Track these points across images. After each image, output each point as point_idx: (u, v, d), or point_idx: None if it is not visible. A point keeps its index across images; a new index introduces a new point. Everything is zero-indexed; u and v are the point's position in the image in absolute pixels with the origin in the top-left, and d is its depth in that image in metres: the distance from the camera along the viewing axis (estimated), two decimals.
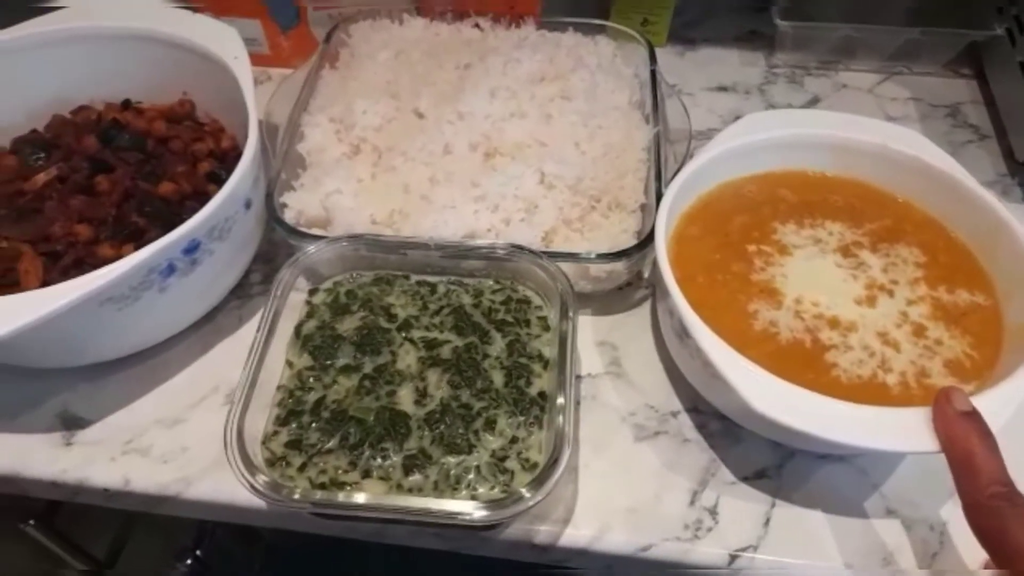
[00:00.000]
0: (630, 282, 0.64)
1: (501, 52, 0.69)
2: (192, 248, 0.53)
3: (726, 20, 0.91)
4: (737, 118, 0.78)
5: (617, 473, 0.55)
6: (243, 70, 0.61)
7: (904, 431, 0.46)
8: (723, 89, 0.83)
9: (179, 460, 0.55)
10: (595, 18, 0.78)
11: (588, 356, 0.61)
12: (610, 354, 0.62)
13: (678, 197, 0.58)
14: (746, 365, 0.47)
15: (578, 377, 0.60)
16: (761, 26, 0.90)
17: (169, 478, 0.54)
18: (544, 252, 0.56)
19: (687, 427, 0.58)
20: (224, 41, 0.63)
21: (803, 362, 0.52)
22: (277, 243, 0.68)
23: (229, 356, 0.61)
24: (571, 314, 0.53)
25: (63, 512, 0.71)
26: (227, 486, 0.53)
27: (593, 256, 0.57)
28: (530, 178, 0.60)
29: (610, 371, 0.61)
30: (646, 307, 0.65)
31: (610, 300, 0.64)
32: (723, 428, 0.57)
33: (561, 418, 0.47)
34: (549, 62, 0.68)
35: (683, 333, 0.52)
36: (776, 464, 0.56)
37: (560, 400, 0.49)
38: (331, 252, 0.57)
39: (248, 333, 0.63)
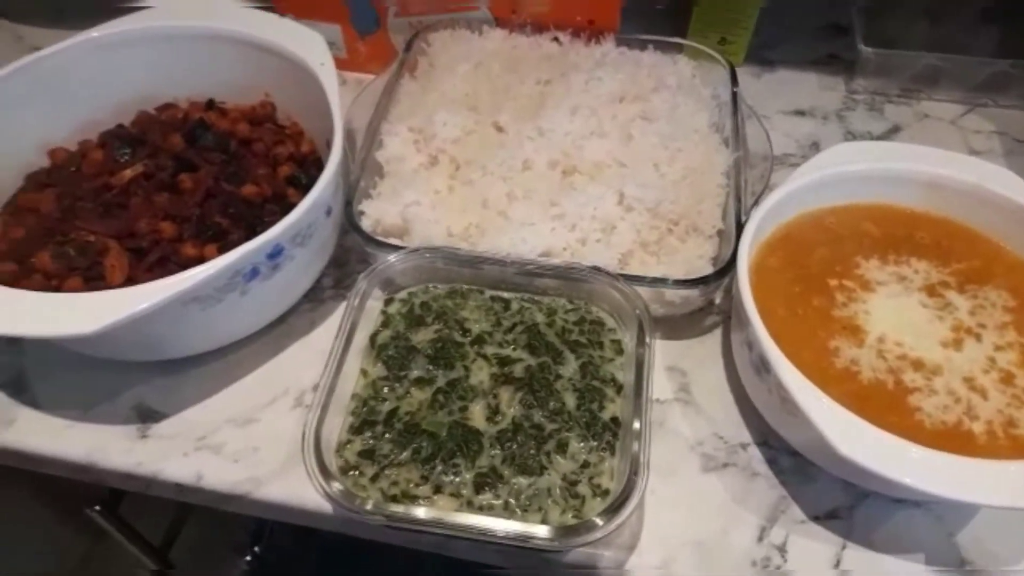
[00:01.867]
0: (702, 308, 0.63)
1: (582, 69, 0.69)
2: (276, 253, 0.54)
3: (805, 42, 0.90)
4: (814, 144, 0.79)
5: (684, 503, 0.54)
6: (329, 77, 0.62)
7: (987, 483, 0.44)
8: (800, 113, 0.82)
9: (250, 460, 0.56)
10: (672, 35, 0.78)
11: (657, 381, 0.60)
12: (679, 380, 0.61)
13: (759, 226, 0.57)
14: (829, 404, 0.46)
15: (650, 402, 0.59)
16: (841, 50, 0.88)
17: (240, 477, 0.55)
18: (622, 275, 0.55)
19: (757, 460, 0.57)
20: (311, 47, 0.64)
21: (885, 404, 0.51)
22: (349, 248, 0.68)
23: (300, 359, 0.62)
24: (648, 340, 0.53)
25: (127, 499, 0.72)
26: (296, 489, 0.54)
27: (670, 282, 0.56)
28: (609, 199, 0.60)
29: (679, 397, 0.60)
30: (717, 334, 0.64)
31: (680, 325, 0.64)
32: (794, 465, 0.56)
33: (637, 446, 0.47)
34: (630, 81, 0.68)
35: (762, 367, 0.51)
36: (848, 505, 0.54)
37: (636, 425, 0.48)
38: (409, 263, 0.57)
39: (319, 337, 0.63)
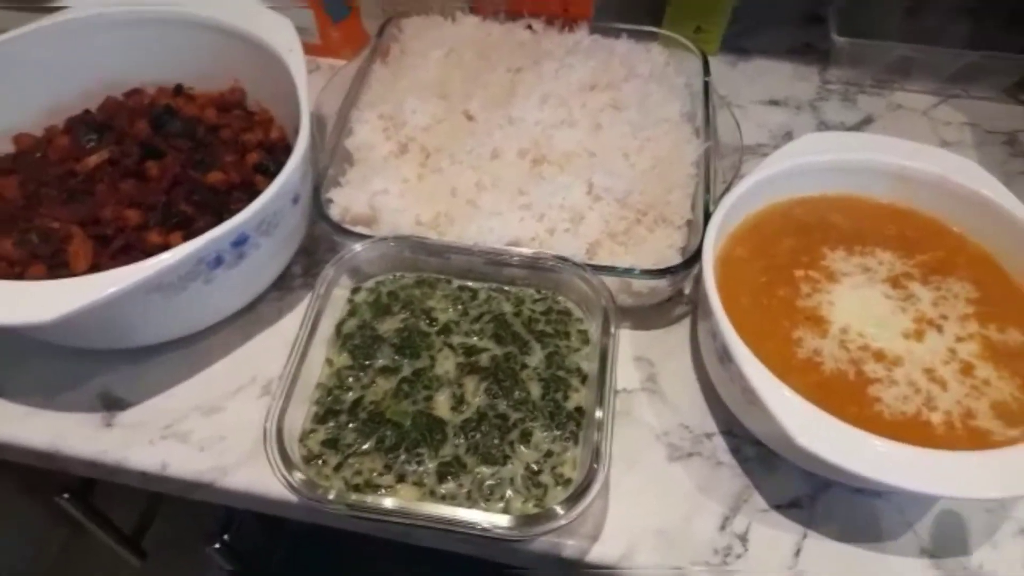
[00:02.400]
0: (671, 298, 0.64)
1: (554, 57, 0.68)
2: (240, 241, 0.54)
3: (780, 31, 0.89)
4: (787, 134, 0.79)
5: (648, 492, 0.55)
6: (297, 64, 0.61)
7: (946, 474, 0.45)
8: (774, 103, 0.82)
9: (216, 448, 0.56)
10: (647, 23, 0.78)
11: (624, 371, 0.60)
12: (646, 370, 0.61)
13: (727, 217, 0.57)
14: (789, 395, 0.47)
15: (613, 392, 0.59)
16: (816, 40, 0.88)
17: (206, 466, 0.55)
18: (588, 265, 0.56)
19: (721, 450, 0.57)
20: (279, 32, 0.63)
21: (846, 394, 0.52)
22: (318, 237, 0.68)
23: (268, 347, 0.62)
24: (613, 330, 0.53)
25: (97, 488, 0.72)
26: (262, 478, 0.54)
27: (638, 272, 0.56)
28: (578, 189, 0.59)
29: (646, 387, 0.60)
30: (685, 324, 0.64)
31: (649, 315, 0.64)
32: (758, 454, 0.57)
33: (598, 435, 0.47)
34: (602, 69, 0.68)
35: (725, 357, 0.52)
36: (810, 494, 0.55)
37: (599, 414, 0.49)
38: (376, 252, 0.57)
39: (288, 325, 0.63)
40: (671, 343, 0.63)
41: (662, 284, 0.59)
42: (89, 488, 0.72)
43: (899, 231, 0.60)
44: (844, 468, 0.45)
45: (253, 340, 0.62)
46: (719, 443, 0.58)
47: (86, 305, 0.47)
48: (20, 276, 0.56)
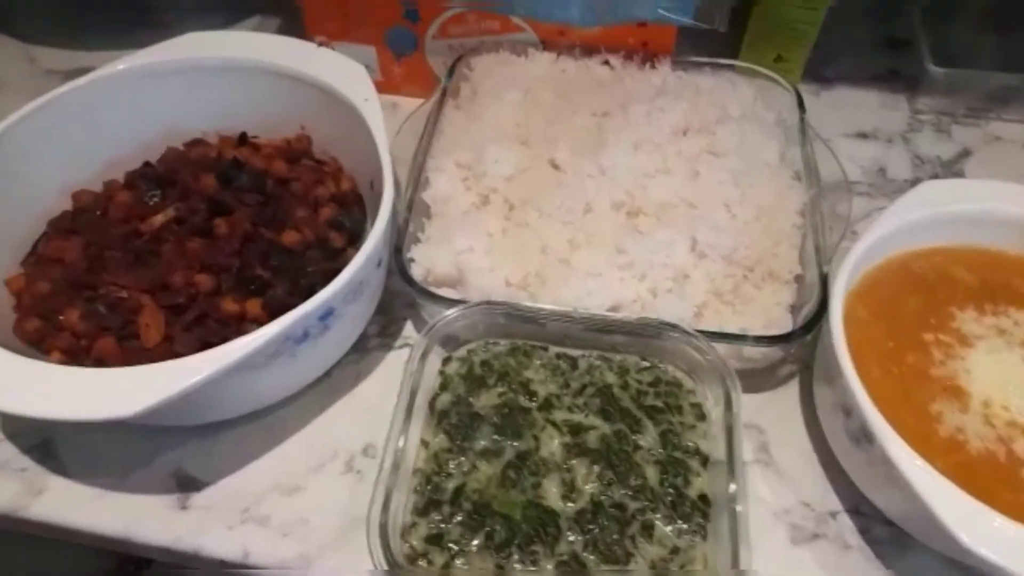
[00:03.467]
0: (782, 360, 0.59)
1: (641, 98, 0.64)
2: (327, 314, 0.49)
3: (862, 57, 0.85)
4: (880, 170, 0.75)
5: None
6: (374, 115, 0.57)
7: None
8: (863, 136, 0.77)
9: (299, 532, 0.52)
10: (723, 53, 0.74)
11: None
12: (757, 438, 0.57)
13: (850, 275, 0.52)
14: (949, 490, 0.42)
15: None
16: (901, 65, 0.83)
17: (290, 553, 0.51)
18: (702, 332, 0.51)
19: (848, 531, 0.52)
20: (353, 80, 0.59)
21: (998, 478, 0.47)
22: (393, 292, 0.63)
23: (347, 417, 0.58)
24: (735, 408, 0.48)
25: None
26: (354, 566, 0.50)
27: (753, 339, 0.52)
28: (681, 245, 0.55)
29: (759, 459, 0.56)
30: (793, 385, 0.60)
31: (754, 377, 0.59)
32: (889, 535, 0.52)
33: (741, 543, 0.43)
34: (692, 111, 0.63)
35: (863, 437, 0.47)
36: None
37: (739, 508, 0.44)
38: (469, 319, 0.53)
39: (366, 392, 0.59)
40: (781, 407, 0.58)
41: (777, 349, 0.54)
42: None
43: None
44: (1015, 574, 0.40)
45: (330, 410, 0.58)
46: (845, 523, 0.53)
47: (173, 396, 0.43)
48: (88, 350, 0.52)
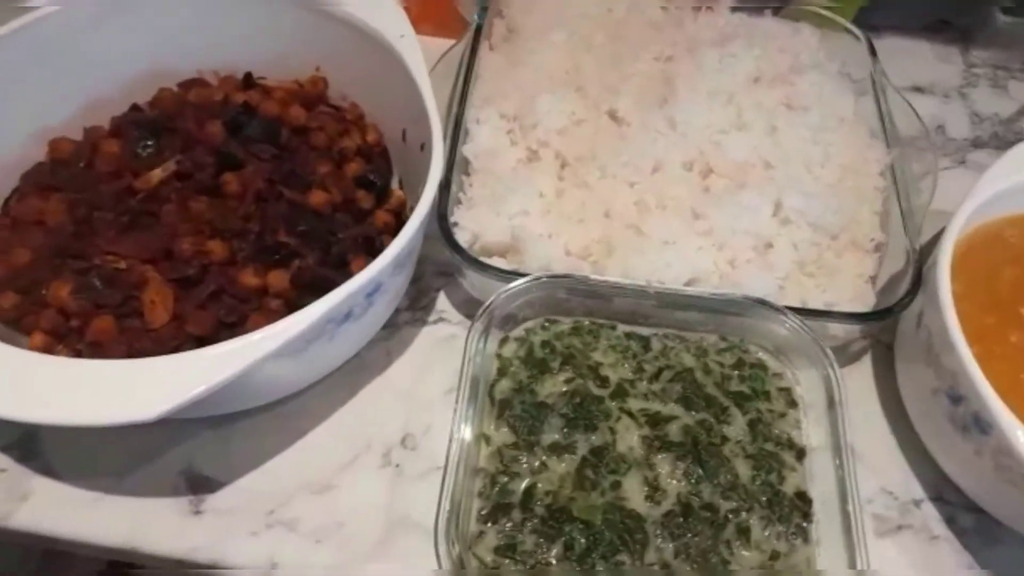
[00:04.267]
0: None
1: (708, 43, 0.57)
2: (374, 290, 0.42)
3: (912, 5, 0.79)
4: (939, 127, 0.69)
5: None
6: (412, 53, 0.49)
7: None
8: (918, 90, 0.72)
9: (335, 539, 0.46)
10: None
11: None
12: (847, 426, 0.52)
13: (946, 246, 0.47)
14: None
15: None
16: (951, 15, 0.78)
17: (326, 561, 0.45)
18: (794, 309, 0.45)
19: (933, 520, 0.49)
20: (385, 12, 0.51)
21: None
22: (423, 259, 0.56)
23: (379, 403, 0.51)
24: (839, 398, 0.43)
25: None
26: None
27: (849, 315, 0.47)
28: (764, 211, 0.49)
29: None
30: (866, 362, 0.55)
31: None
32: (976, 523, 0.48)
33: (858, 547, 0.38)
34: (765, 58, 0.56)
35: (973, 426, 0.43)
36: None
37: (850, 508, 0.40)
38: (527, 295, 0.46)
39: (399, 373, 0.52)
40: (855, 387, 0.53)
41: (864, 326, 0.49)
42: None
43: None
44: None
45: (360, 394, 0.51)
46: (929, 512, 0.49)
47: (203, 392, 0.35)
48: (79, 331, 0.44)
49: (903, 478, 0.50)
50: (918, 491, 0.50)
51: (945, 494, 0.49)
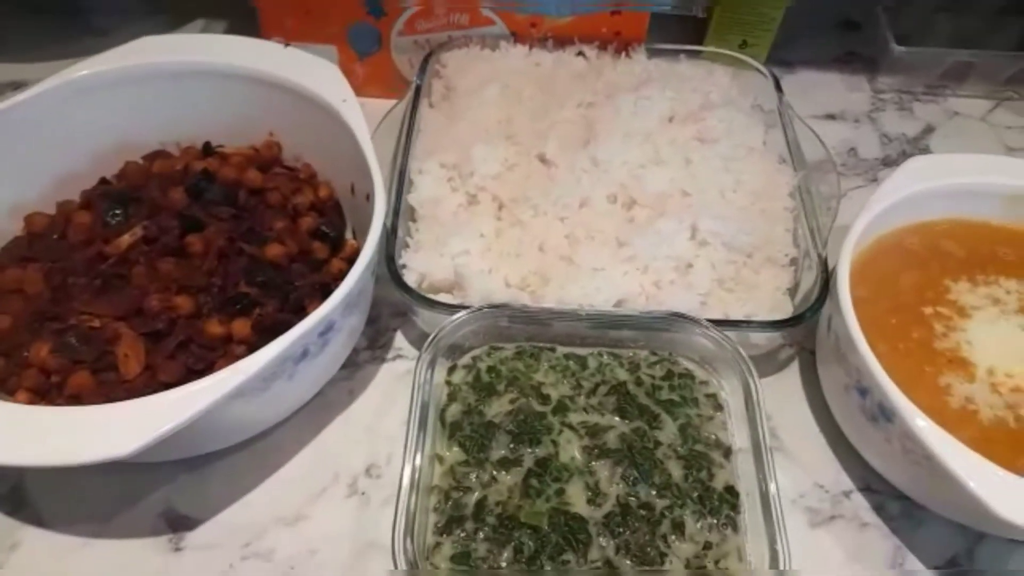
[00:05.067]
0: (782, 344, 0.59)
1: (625, 88, 0.63)
2: (327, 329, 0.46)
3: (820, 40, 0.86)
4: (852, 149, 0.76)
5: (799, 563, 0.49)
6: (355, 115, 0.54)
7: None
8: (831, 117, 0.78)
9: (308, 566, 0.49)
10: (690, 40, 0.74)
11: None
12: (765, 424, 0.56)
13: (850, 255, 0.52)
14: (977, 462, 0.42)
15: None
16: (859, 47, 0.85)
17: None
18: (712, 321, 0.50)
19: (863, 509, 0.53)
20: (327, 80, 0.56)
21: (1011, 444, 0.48)
22: (379, 301, 0.61)
23: (344, 437, 0.55)
24: (756, 398, 0.48)
25: None
26: None
27: (762, 324, 0.51)
28: (682, 235, 0.54)
29: (770, 444, 0.55)
30: (794, 369, 0.60)
31: (756, 363, 0.58)
32: (902, 509, 0.52)
33: (778, 525, 0.42)
34: (679, 99, 0.62)
35: (880, 415, 0.47)
36: (966, 549, 0.51)
37: (771, 496, 0.43)
38: (472, 325, 0.51)
39: (361, 409, 0.56)
40: (784, 392, 0.58)
41: (781, 333, 0.54)
42: None
43: (1018, 256, 0.57)
44: None
45: (326, 430, 0.55)
46: (859, 501, 0.53)
47: (171, 428, 0.39)
48: (59, 387, 0.48)
49: (833, 472, 0.54)
50: (847, 483, 0.54)
51: (872, 484, 0.54)
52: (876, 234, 0.57)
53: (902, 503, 0.52)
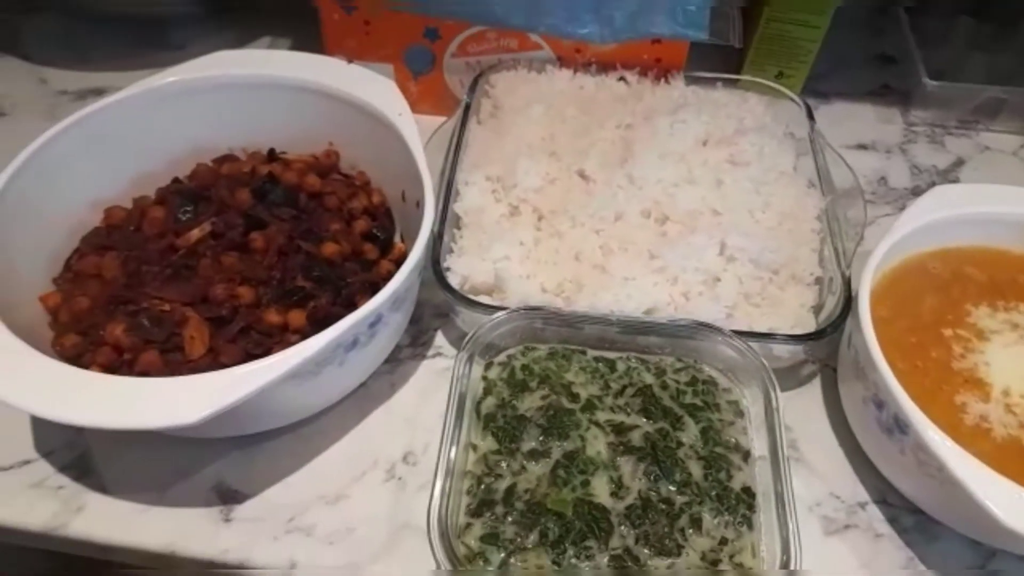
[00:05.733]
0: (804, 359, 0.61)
1: (662, 112, 0.66)
2: (376, 321, 0.50)
3: (855, 73, 0.89)
4: (882, 179, 0.78)
5: (811, 565, 0.52)
6: (409, 128, 0.59)
7: None
8: (863, 147, 0.81)
9: (346, 542, 0.52)
10: (727, 69, 0.77)
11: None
12: (785, 435, 0.58)
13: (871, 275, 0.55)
14: (987, 474, 0.44)
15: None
16: (893, 80, 0.87)
17: (338, 561, 0.51)
18: (737, 332, 0.53)
19: (878, 520, 0.54)
20: (385, 95, 0.61)
21: (1023, 463, 0.49)
22: (423, 302, 0.64)
23: (385, 426, 0.58)
24: (776, 404, 0.50)
25: None
26: (405, 574, 0.50)
27: (784, 337, 0.54)
28: (711, 250, 0.57)
29: (789, 454, 0.57)
30: (816, 384, 0.62)
31: (779, 376, 0.61)
32: (916, 523, 0.54)
33: (791, 525, 0.44)
34: (713, 124, 0.66)
35: (895, 427, 0.49)
36: (979, 564, 0.52)
37: (786, 497, 0.46)
38: (509, 325, 0.54)
39: (401, 401, 0.60)
40: (806, 405, 0.60)
41: (803, 347, 0.56)
42: None
43: None
44: None
45: (368, 419, 0.59)
46: (874, 513, 0.55)
47: (234, 402, 0.43)
48: (131, 364, 0.52)
49: (850, 484, 0.56)
50: (863, 495, 0.56)
51: (888, 498, 0.55)
52: (900, 257, 0.59)
53: (916, 517, 0.54)
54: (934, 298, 0.58)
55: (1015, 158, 0.80)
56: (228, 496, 0.54)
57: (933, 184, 0.77)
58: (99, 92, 0.82)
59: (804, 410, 0.60)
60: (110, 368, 0.52)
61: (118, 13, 0.86)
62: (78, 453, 0.56)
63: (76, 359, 0.53)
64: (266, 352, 0.53)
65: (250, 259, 0.57)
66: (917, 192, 0.76)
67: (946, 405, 0.52)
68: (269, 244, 0.58)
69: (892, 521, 0.54)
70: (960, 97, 0.80)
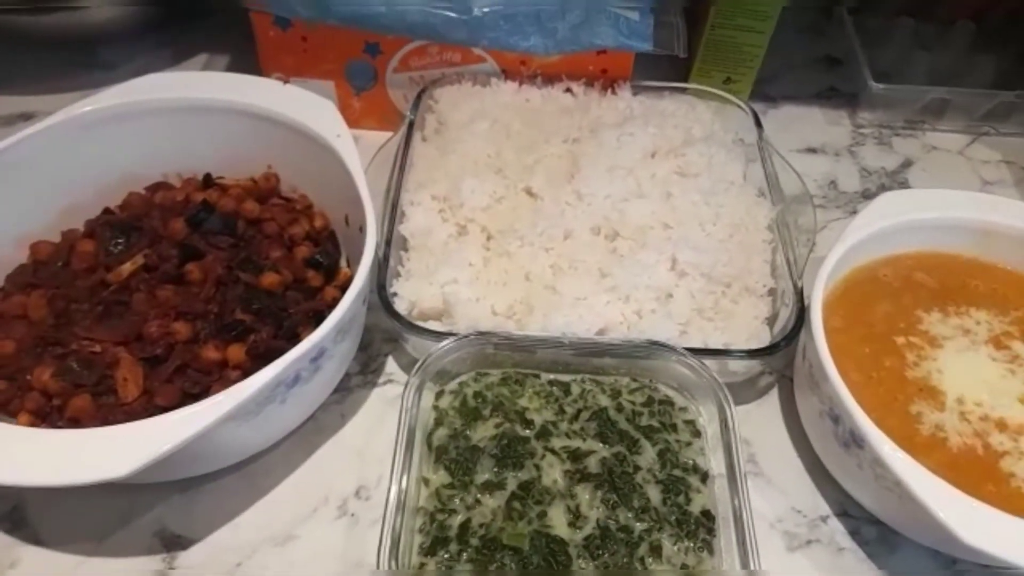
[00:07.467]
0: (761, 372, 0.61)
1: (609, 124, 0.65)
2: (319, 355, 0.48)
3: (801, 76, 0.89)
4: (832, 182, 0.78)
5: None
6: (348, 150, 0.57)
7: None
8: (812, 151, 0.81)
9: None
10: (673, 77, 0.76)
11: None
12: (744, 450, 0.57)
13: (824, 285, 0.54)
14: (943, 488, 0.44)
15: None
16: (840, 83, 0.88)
17: None
18: (690, 349, 0.52)
19: (840, 534, 0.54)
20: (323, 116, 0.59)
21: (979, 472, 0.49)
22: (372, 327, 0.63)
23: (335, 460, 0.56)
24: (732, 424, 0.49)
25: None
26: None
27: (740, 352, 0.53)
28: (662, 266, 0.56)
29: (748, 469, 0.57)
30: (773, 396, 0.61)
31: (735, 390, 0.60)
32: (878, 535, 0.54)
33: (751, 549, 0.44)
34: (661, 135, 0.65)
35: (852, 442, 0.49)
36: (940, 575, 0.52)
37: (744, 519, 0.45)
38: (459, 351, 0.53)
39: (352, 432, 0.58)
40: (763, 418, 0.60)
41: (759, 361, 0.56)
42: None
43: (988, 287, 0.59)
44: (1013, 563, 0.42)
45: (318, 452, 0.57)
46: (836, 526, 0.54)
47: (168, 450, 0.41)
48: (60, 410, 0.50)
49: (810, 497, 0.56)
50: (824, 508, 0.55)
51: (849, 510, 0.55)
52: (851, 266, 0.59)
53: (878, 528, 0.54)
54: (886, 306, 0.57)
55: (961, 157, 0.81)
56: (171, 542, 0.52)
57: (883, 187, 0.78)
58: (27, 117, 0.79)
59: (763, 423, 0.59)
60: (39, 414, 0.50)
61: (47, 34, 0.82)
62: (11, 506, 0.53)
63: (3, 406, 0.51)
64: (204, 391, 0.50)
65: (186, 292, 0.55)
66: (867, 195, 0.76)
67: (901, 416, 0.52)
68: (206, 275, 0.56)
69: (854, 534, 0.54)
70: (906, 98, 0.80)
